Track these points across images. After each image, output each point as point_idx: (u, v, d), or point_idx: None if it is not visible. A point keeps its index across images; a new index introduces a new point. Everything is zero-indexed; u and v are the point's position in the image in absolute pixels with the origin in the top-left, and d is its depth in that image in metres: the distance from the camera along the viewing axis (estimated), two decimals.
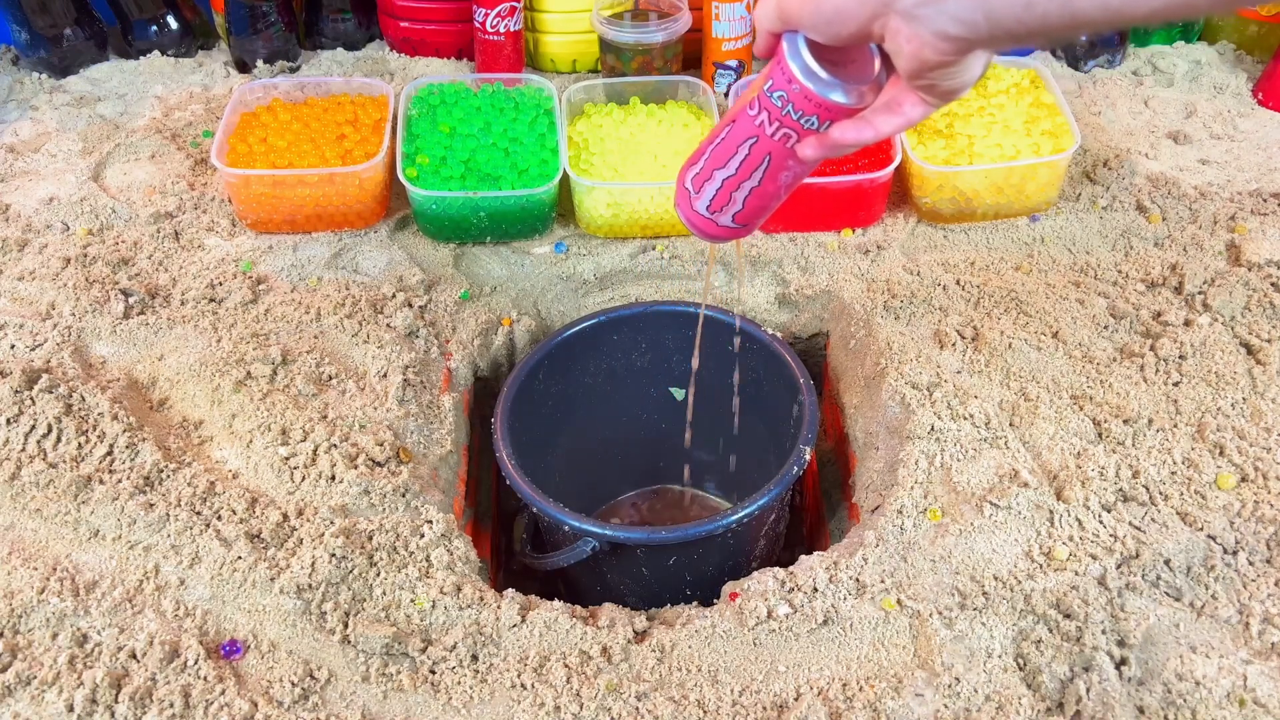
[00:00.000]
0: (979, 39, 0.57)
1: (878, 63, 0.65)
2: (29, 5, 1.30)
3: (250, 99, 1.18)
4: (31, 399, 0.87)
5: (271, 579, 0.76)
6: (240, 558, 0.77)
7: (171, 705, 0.68)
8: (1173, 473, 0.82)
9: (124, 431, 0.85)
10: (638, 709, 0.69)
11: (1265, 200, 1.10)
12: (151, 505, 0.80)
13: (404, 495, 0.84)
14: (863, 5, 0.58)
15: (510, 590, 0.79)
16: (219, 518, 0.80)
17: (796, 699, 0.70)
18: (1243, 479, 0.81)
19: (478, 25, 1.26)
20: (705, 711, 0.70)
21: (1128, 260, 1.04)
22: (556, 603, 0.78)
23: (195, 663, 0.70)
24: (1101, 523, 0.79)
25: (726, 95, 1.23)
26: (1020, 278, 1.02)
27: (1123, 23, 0.55)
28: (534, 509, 0.88)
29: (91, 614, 0.74)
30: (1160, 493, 0.81)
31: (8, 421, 0.86)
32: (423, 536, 0.81)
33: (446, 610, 0.76)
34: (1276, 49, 1.26)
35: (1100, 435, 0.86)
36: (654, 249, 1.11)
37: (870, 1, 0.58)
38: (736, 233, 0.76)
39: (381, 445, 0.87)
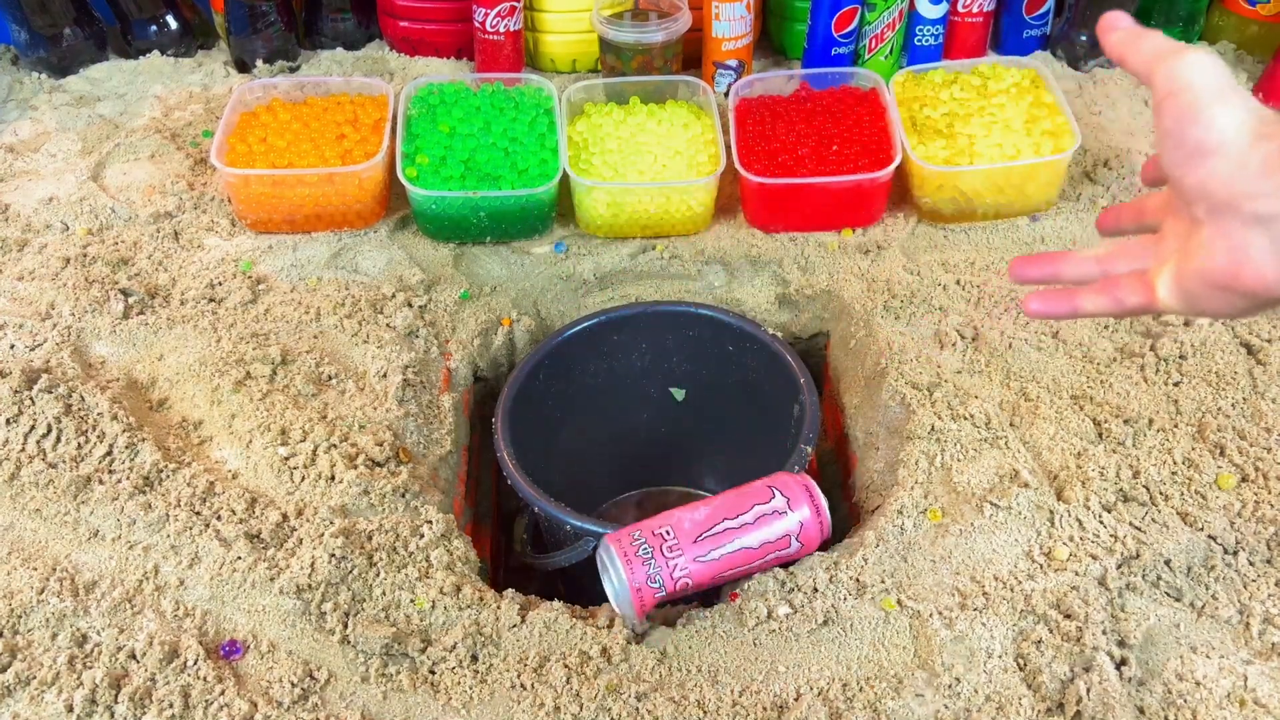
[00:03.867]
0: None
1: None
2: (28, 5, 1.30)
3: (250, 99, 1.18)
4: (31, 399, 0.87)
5: (271, 579, 0.76)
6: (240, 558, 0.77)
7: (171, 705, 0.68)
8: (1173, 473, 0.82)
9: (123, 431, 0.85)
10: (638, 709, 0.69)
11: None
12: (151, 505, 0.80)
13: (404, 495, 0.84)
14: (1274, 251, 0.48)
15: (510, 590, 0.79)
16: (218, 518, 0.80)
17: (796, 699, 0.70)
18: (1243, 479, 0.81)
19: (478, 25, 1.26)
20: (705, 712, 0.70)
21: None
22: (556, 603, 0.78)
23: (195, 663, 0.70)
24: (1102, 523, 0.79)
25: (726, 95, 1.23)
26: None
27: None
28: (535, 509, 0.88)
29: (91, 614, 0.74)
30: (1160, 493, 0.81)
31: (7, 421, 0.86)
32: (422, 537, 0.81)
33: (446, 610, 0.76)
34: (1276, 49, 1.26)
35: (1100, 435, 0.86)
36: (654, 249, 1.11)
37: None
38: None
39: (381, 445, 0.87)
